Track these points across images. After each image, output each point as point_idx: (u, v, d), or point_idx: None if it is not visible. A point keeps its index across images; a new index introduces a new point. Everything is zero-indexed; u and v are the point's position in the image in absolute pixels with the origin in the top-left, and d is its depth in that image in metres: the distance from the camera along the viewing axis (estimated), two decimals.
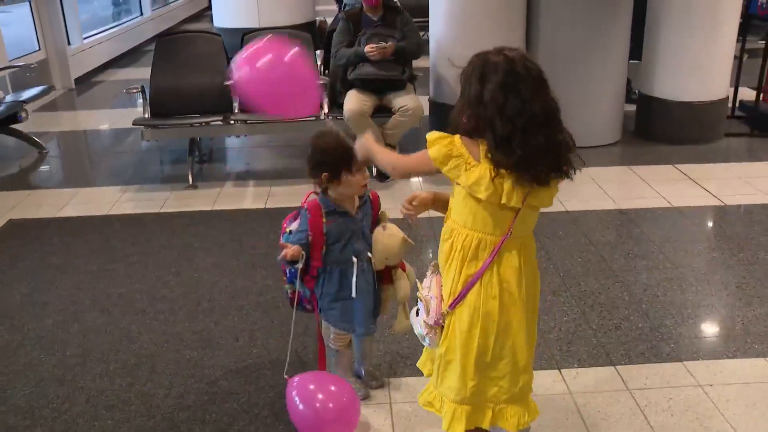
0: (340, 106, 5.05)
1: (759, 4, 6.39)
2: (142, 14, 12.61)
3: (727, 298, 3.55)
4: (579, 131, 6.39)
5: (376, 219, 2.61)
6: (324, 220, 2.44)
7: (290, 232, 2.48)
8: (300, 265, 2.41)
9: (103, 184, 5.53)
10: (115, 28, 11.22)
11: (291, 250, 2.39)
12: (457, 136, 1.94)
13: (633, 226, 4.40)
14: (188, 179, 5.32)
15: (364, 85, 4.92)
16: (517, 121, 1.82)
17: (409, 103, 4.85)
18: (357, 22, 5.00)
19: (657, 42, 5.76)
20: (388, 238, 2.54)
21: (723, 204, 4.71)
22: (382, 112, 4.98)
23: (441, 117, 5.43)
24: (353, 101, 4.87)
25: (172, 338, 3.32)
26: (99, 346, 3.27)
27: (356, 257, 2.49)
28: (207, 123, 5.25)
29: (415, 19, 5.14)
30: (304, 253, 2.42)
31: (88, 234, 4.56)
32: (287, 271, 2.56)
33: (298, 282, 2.46)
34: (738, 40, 5.93)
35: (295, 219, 2.54)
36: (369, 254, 2.52)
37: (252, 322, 3.43)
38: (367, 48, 4.80)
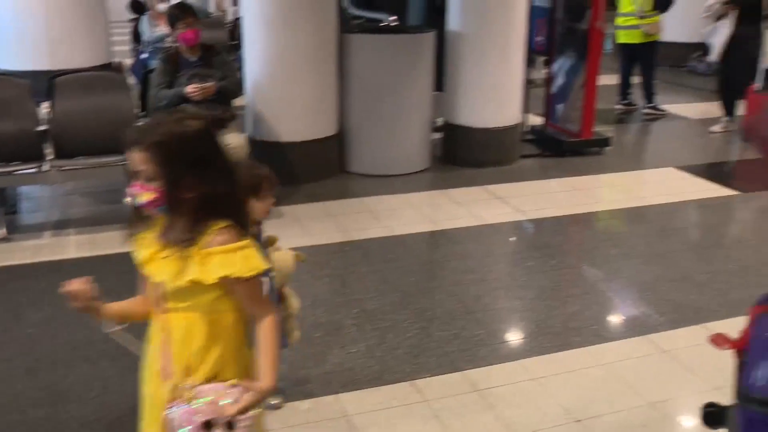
0: None
1: (536, 41, 7.15)
2: None
3: (547, 300, 3.97)
4: (390, 160, 6.81)
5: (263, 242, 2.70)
6: None
7: None
8: None
9: None
10: None
11: None
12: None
13: (455, 244, 4.77)
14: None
15: None
16: None
17: (233, 141, 4.94)
18: (175, 64, 5.02)
19: (457, 75, 6.27)
20: (284, 257, 2.67)
21: (529, 218, 5.21)
22: None
23: (260, 154, 5.55)
24: None
25: (15, 399, 3.16)
26: None
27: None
28: (15, 172, 5.00)
29: None
30: None
31: None
32: None
33: None
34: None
35: None
36: (272, 273, 2.61)
37: (102, 370, 3.35)
38: (189, 88, 4.84)
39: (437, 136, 6.65)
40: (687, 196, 5.73)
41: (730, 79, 7.52)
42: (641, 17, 8.17)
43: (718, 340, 1.86)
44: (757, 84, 7.33)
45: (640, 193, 5.82)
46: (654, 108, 8.60)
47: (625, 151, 7.52)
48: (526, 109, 7.09)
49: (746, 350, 1.75)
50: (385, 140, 6.01)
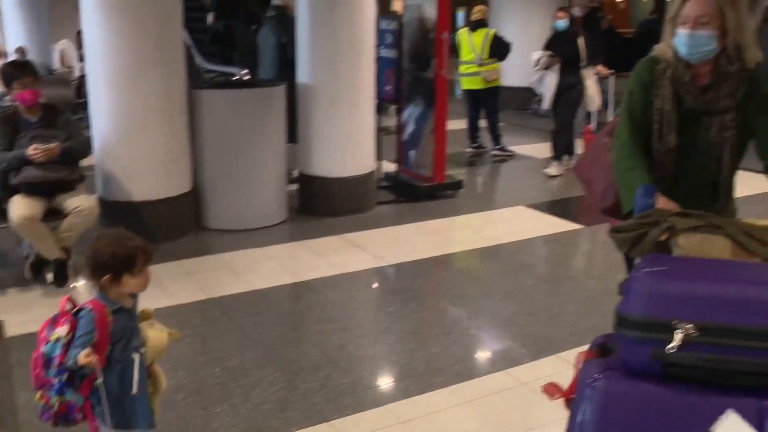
0: (4, 213, 4.77)
1: (385, 90, 7.37)
2: None
3: (409, 343, 4.03)
4: (247, 214, 6.78)
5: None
6: (110, 319, 2.34)
7: (57, 339, 2.30)
8: (95, 368, 2.26)
9: None
10: None
11: (82, 354, 2.23)
12: None
13: (316, 294, 4.77)
14: None
15: (31, 189, 4.70)
16: None
17: (83, 203, 4.75)
18: (14, 124, 4.79)
19: (310, 126, 6.34)
20: (158, 333, 2.53)
21: (388, 264, 5.30)
22: (54, 215, 4.81)
23: (112, 215, 5.39)
24: (20, 207, 4.63)
25: None
26: None
27: (136, 353, 2.43)
28: None
29: None
30: (96, 356, 2.26)
31: None
32: (58, 381, 2.33)
33: (70, 391, 2.31)
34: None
35: (55, 324, 2.37)
36: (143, 349, 2.47)
37: None
38: (30, 150, 4.63)
39: (294, 187, 6.68)
40: (537, 233, 6.02)
41: (559, 124, 8.03)
42: (480, 65, 8.62)
43: (551, 389, 1.94)
44: (592, 125, 7.90)
45: (493, 233, 6.05)
46: (501, 149, 9.03)
47: (477, 192, 7.84)
48: (380, 156, 7.25)
49: (575, 398, 1.83)
50: (241, 194, 5.97)
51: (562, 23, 7.87)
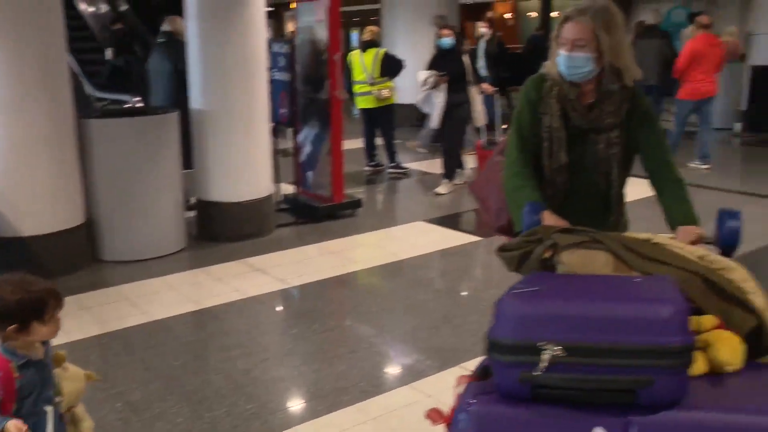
0: None
1: (280, 113, 7.39)
2: None
3: (314, 364, 4.05)
4: (144, 244, 6.63)
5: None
6: (16, 375, 2.15)
7: None
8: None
9: None
10: None
11: (11, 425, 2.06)
12: None
13: (219, 321, 4.72)
14: None
15: None
16: None
17: None
18: None
19: (205, 151, 6.28)
20: (73, 379, 2.40)
21: (290, 286, 5.30)
22: None
23: (0, 252, 5.19)
24: None
25: None
26: None
27: (49, 405, 2.25)
28: None
29: None
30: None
31: None
32: None
33: None
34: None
35: None
36: (58, 398, 2.31)
37: None
38: None
39: (192, 214, 6.60)
40: (436, 247, 6.14)
41: (449, 142, 8.16)
42: (372, 84, 8.76)
43: (433, 415, 1.94)
44: (482, 140, 8.12)
45: (393, 249, 6.14)
46: (397, 167, 9.18)
47: (377, 210, 7.93)
48: (278, 179, 7.25)
49: (452, 423, 1.82)
50: (137, 224, 5.85)
51: (448, 41, 8.00)
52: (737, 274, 2.03)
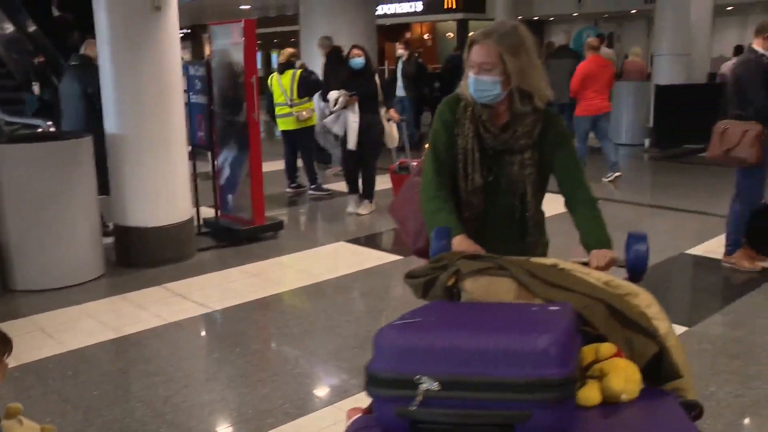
0: None
1: (198, 136, 7.34)
2: None
3: (238, 389, 4.02)
4: (60, 272, 6.49)
5: None
6: None
7: None
8: None
9: None
10: None
11: None
12: None
13: (140, 348, 4.63)
14: None
15: None
16: None
17: None
18: None
19: (121, 176, 6.17)
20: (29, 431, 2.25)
21: (212, 310, 5.24)
22: None
23: None
24: None
25: None
26: None
27: None
28: None
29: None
30: None
31: None
32: None
33: None
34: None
35: None
36: None
37: None
38: None
39: (110, 240, 6.46)
40: (358, 267, 6.18)
41: (365, 163, 8.09)
42: (291, 105, 8.77)
43: None
44: (395, 164, 8.18)
45: (316, 270, 6.14)
46: (318, 188, 9.20)
47: (299, 231, 7.93)
48: (197, 203, 7.17)
49: None
50: (51, 251, 5.69)
51: (359, 61, 7.85)
52: (641, 299, 2.01)
